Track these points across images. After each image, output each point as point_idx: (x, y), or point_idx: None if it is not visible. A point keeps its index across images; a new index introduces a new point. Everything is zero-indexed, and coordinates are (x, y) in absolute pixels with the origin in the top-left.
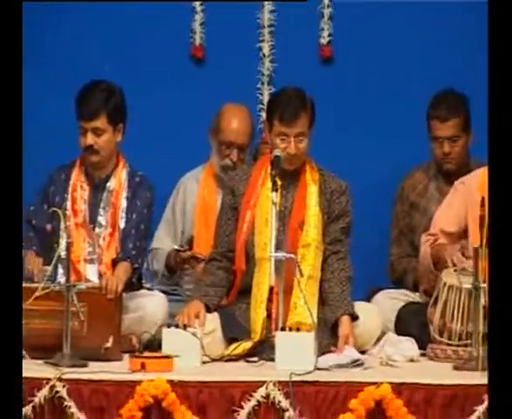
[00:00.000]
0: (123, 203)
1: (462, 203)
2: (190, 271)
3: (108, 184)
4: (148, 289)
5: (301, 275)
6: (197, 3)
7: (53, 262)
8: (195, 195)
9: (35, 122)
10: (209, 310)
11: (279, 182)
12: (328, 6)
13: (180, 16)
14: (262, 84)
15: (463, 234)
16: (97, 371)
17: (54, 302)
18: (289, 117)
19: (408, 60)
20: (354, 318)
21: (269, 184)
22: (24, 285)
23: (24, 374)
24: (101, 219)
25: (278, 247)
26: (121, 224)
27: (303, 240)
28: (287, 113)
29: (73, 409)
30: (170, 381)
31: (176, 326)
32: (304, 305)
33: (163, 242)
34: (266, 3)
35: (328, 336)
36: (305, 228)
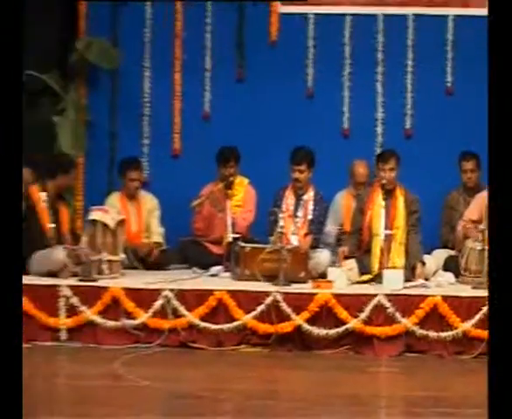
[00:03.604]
0: (310, 207)
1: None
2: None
3: (303, 197)
4: (320, 248)
5: (395, 241)
6: None
7: (275, 234)
8: (340, 203)
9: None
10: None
11: (383, 196)
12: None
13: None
14: None
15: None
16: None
17: (275, 254)
18: (385, 159)
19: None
20: (423, 264)
21: (380, 196)
22: (261, 246)
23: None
24: (299, 214)
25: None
26: (309, 217)
27: (396, 224)
28: (384, 158)
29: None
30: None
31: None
32: (397, 257)
33: (329, 226)
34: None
35: (409, 274)
36: (396, 218)
